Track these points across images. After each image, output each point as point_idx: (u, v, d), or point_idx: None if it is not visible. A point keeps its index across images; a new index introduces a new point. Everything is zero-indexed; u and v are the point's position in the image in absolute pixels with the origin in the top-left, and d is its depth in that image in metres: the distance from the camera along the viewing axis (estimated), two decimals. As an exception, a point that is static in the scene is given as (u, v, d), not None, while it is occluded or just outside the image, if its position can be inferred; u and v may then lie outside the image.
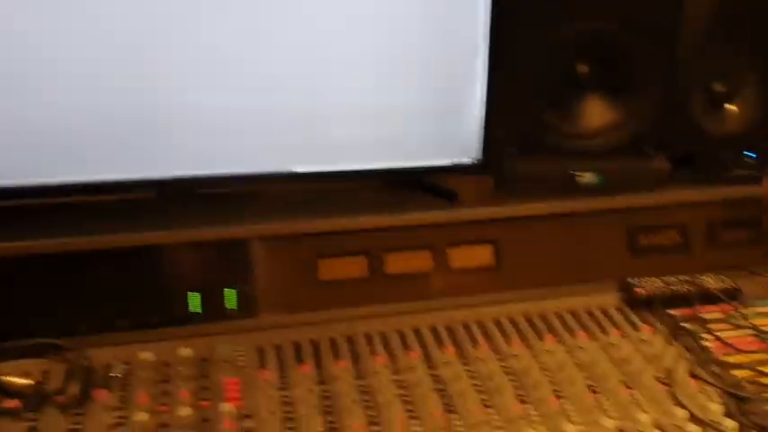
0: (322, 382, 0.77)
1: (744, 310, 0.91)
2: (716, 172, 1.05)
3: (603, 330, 0.87)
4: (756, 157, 1.07)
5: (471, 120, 0.98)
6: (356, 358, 0.80)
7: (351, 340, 0.83)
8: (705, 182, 1.04)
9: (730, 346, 0.85)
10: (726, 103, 1.06)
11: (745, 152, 1.07)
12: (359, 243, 0.89)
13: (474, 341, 0.84)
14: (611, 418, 0.73)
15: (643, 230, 0.99)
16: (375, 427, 0.71)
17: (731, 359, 0.83)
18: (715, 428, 0.72)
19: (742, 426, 0.72)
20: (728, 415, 0.74)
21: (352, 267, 0.89)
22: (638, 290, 0.92)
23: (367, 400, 0.74)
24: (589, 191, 1.00)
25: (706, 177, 1.04)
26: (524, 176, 1.02)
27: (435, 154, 1.00)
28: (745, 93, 1.06)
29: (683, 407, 0.75)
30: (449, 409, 0.74)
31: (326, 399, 0.74)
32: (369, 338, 0.84)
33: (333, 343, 0.83)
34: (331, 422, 0.71)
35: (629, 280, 0.94)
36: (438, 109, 0.97)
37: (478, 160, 1.01)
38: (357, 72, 0.91)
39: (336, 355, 0.81)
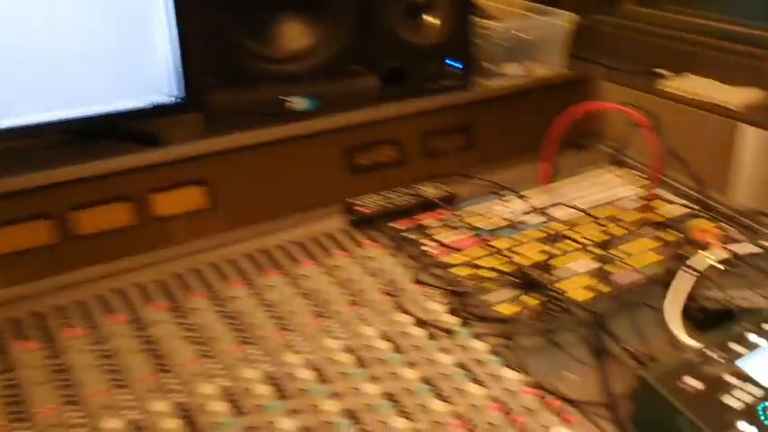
0: (3, 371, 0.65)
1: (459, 213, 0.95)
2: (424, 84, 1.08)
3: (328, 254, 0.85)
4: (461, 67, 1.11)
5: (164, 56, 0.90)
6: (47, 336, 0.70)
7: (39, 316, 0.72)
8: (414, 94, 1.06)
9: (450, 247, 0.87)
10: (424, 14, 1.08)
11: (448, 62, 1.11)
12: (37, 205, 0.77)
13: (189, 291, 0.77)
14: (337, 338, 0.71)
15: (359, 149, 0.98)
16: (71, 407, 0.62)
17: (451, 260, 0.85)
18: (437, 326, 0.73)
19: (463, 319, 0.75)
20: (451, 312, 0.76)
21: (31, 234, 0.77)
22: (359, 208, 0.92)
23: (61, 380, 0.65)
24: (302, 115, 0.97)
25: (415, 90, 1.06)
26: (233, 108, 0.97)
27: (128, 96, 0.90)
28: (440, 3, 1.08)
29: (408, 313, 0.75)
30: (161, 369, 0.67)
31: (9, 388, 0.63)
32: (61, 311, 0.73)
33: (15, 323, 0.71)
34: (14, 413, 0.61)
35: (351, 200, 0.93)
36: (122, 49, 0.87)
37: (179, 98, 0.93)
38: (24, 14, 0.80)
39: (21, 335, 0.69)
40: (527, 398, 0.65)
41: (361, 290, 0.79)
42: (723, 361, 0.62)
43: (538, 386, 0.66)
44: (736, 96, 1.22)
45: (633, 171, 1.08)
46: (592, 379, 0.68)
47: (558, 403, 0.65)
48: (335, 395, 0.64)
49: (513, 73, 1.17)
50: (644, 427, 0.62)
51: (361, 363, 0.68)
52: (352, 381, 0.66)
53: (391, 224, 0.91)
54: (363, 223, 0.91)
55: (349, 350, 0.70)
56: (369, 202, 0.93)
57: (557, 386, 0.67)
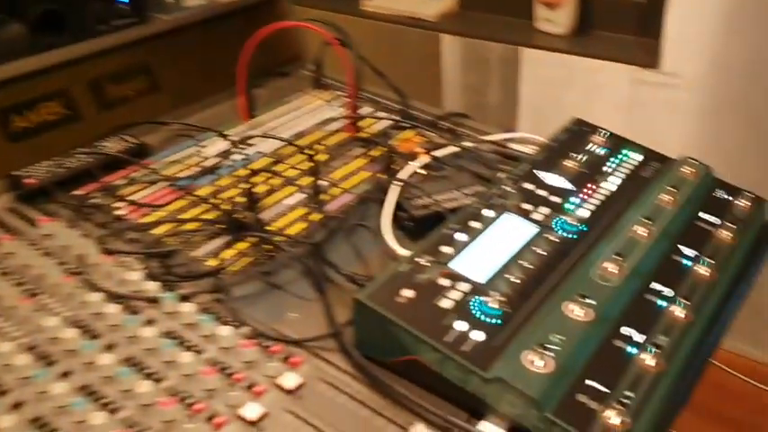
0: None
1: (155, 165, 0.87)
2: (87, 26, 0.96)
3: (-8, 242, 0.73)
4: (128, 3, 1.00)
5: None
6: None
7: None
8: (77, 39, 0.93)
9: (146, 205, 0.80)
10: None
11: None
12: None
13: None
14: (12, 340, 0.61)
15: (17, 110, 0.85)
16: None
17: (149, 219, 0.77)
18: (135, 297, 0.66)
19: (164, 283, 0.68)
20: (150, 277, 0.69)
21: None
22: (27, 181, 0.80)
23: None
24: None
25: (78, 34, 0.94)
26: None
27: None
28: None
29: (101, 290, 0.67)
30: None
31: None
32: None
33: None
34: None
35: (15, 173, 0.80)
36: None
37: None
38: None
39: None
40: (247, 351, 0.61)
41: (40, 275, 0.68)
42: (434, 265, 0.63)
43: (257, 335, 0.63)
44: (431, 8, 1.27)
45: (337, 92, 1.07)
46: (317, 313, 0.66)
47: (281, 348, 0.62)
48: (14, 407, 0.55)
49: (195, 4, 1.09)
50: (368, 348, 0.61)
51: (46, 360, 0.59)
52: (34, 385, 0.56)
53: (72, 192, 0.81)
54: (34, 197, 0.79)
55: (28, 349, 0.60)
56: (38, 172, 0.81)
57: (280, 330, 0.64)
